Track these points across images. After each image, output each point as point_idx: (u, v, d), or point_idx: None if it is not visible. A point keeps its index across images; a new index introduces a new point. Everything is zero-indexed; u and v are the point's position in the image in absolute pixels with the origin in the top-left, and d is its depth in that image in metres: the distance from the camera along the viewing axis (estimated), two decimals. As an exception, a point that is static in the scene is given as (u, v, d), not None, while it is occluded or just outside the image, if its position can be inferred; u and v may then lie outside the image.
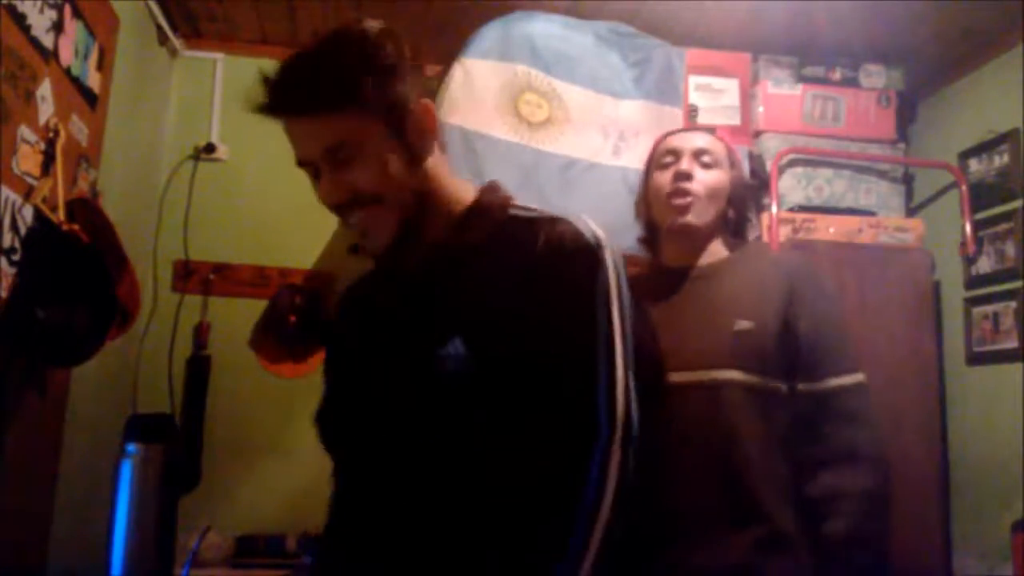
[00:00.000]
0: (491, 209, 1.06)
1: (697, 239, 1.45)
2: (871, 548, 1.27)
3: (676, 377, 1.34)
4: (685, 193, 1.41)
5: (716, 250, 1.47)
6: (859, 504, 1.27)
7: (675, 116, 2.53)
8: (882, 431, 1.36)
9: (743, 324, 1.34)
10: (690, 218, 1.41)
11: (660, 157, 1.48)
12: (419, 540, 0.95)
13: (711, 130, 1.53)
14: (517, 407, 0.93)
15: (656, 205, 1.46)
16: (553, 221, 1.02)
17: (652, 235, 1.52)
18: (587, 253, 0.99)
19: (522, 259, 0.98)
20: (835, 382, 1.34)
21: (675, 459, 1.30)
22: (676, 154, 1.45)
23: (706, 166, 1.44)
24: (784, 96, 2.61)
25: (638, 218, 1.55)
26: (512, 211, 1.06)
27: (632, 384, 0.95)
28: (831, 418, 1.32)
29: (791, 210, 2.52)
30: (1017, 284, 2.35)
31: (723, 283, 1.41)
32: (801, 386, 1.35)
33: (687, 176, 1.41)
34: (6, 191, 1.50)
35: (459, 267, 1.02)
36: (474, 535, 0.92)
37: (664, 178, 1.44)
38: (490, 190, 1.10)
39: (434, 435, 0.97)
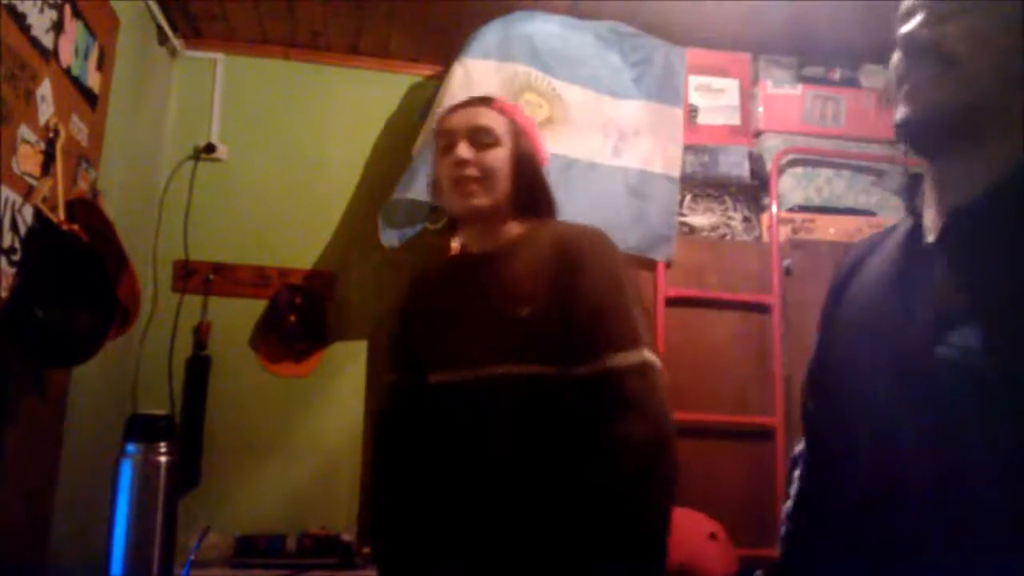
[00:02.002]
0: None
1: (488, 222, 1.37)
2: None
3: (451, 376, 1.32)
4: (464, 180, 1.33)
5: (508, 231, 1.38)
6: (615, 508, 1.15)
7: (675, 116, 2.53)
8: (666, 419, 1.20)
9: (522, 311, 1.26)
10: (474, 201, 1.34)
11: (439, 139, 1.40)
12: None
13: (487, 100, 1.43)
14: None
15: (445, 193, 1.38)
16: None
17: (452, 221, 1.46)
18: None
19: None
20: (611, 362, 1.21)
21: (450, 457, 1.30)
22: (451, 137, 1.36)
23: (483, 145, 1.35)
24: (784, 96, 2.61)
25: (435, 202, 1.48)
26: None
27: None
28: (604, 406, 1.19)
29: (791, 210, 2.52)
30: None
31: (506, 268, 1.33)
32: (578, 370, 1.23)
33: (463, 163, 1.33)
34: (6, 191, 1.50)
35: None
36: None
37: (444, 164, 1.37)
38: None
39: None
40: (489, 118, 1.38)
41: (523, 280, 1.30)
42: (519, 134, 1.40)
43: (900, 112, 0.81)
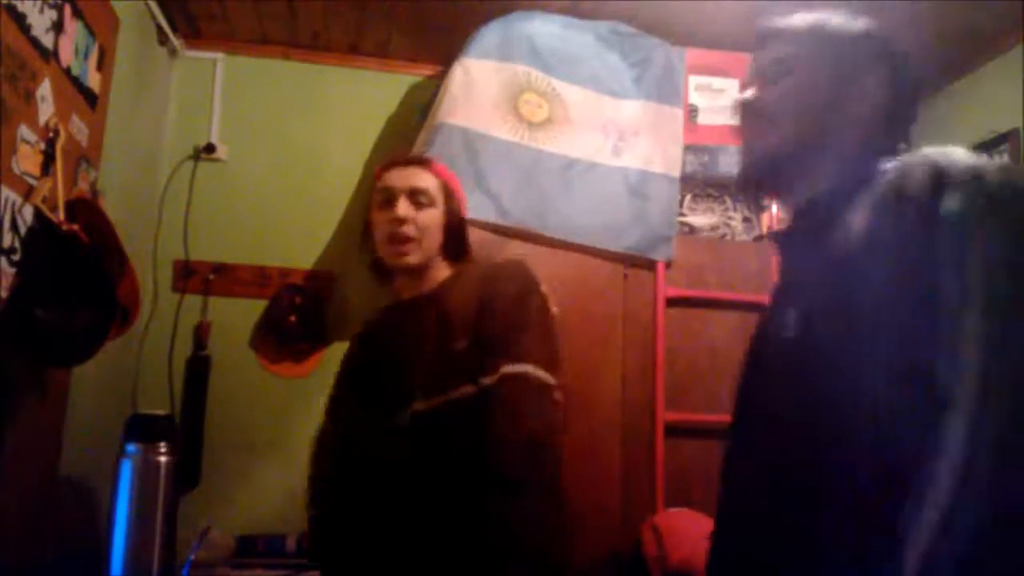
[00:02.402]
0: None
1: (418, 272, 1.49)
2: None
3: (383, 415, 1.39)
4: (402, 239, 1.45)
5: (438, 275, 1.51)
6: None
7: (675, 116, 2.53)
8: (541, 425, 1.30)
9: (460, 344, 1.36)
10: (409, 259, 1.46)
11: (377, 195, 1.51)
12: None
13: (425, 162, 1.56)
14: None
15: (380, 244, 1.49)
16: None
17: (382, 269, 1.55)
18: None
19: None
20: (504, 371, 1.32)
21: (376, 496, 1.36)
22: (390, 194, 1.48)
23: (420, 205, 1.47)
24: (784, 96, 2.61)
25: (363, 253, 1.58)
26: None
27: None
28: (489, 411, 1.30)
29: (791, 210, 2.52)
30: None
31: (440, 309, 1.44)
32: (482, 382, 1.34)
33: (401, 221, 1.45)
34: (6, 191, 1.50)
35: None
36: None
37: (382, 218, 1.48)
38: None
39: None
40: (426, 180, 1.50)
41: (455, 318, 1.40)
42: (450, 195, 1.52)
43: (741, 162, 1.02)
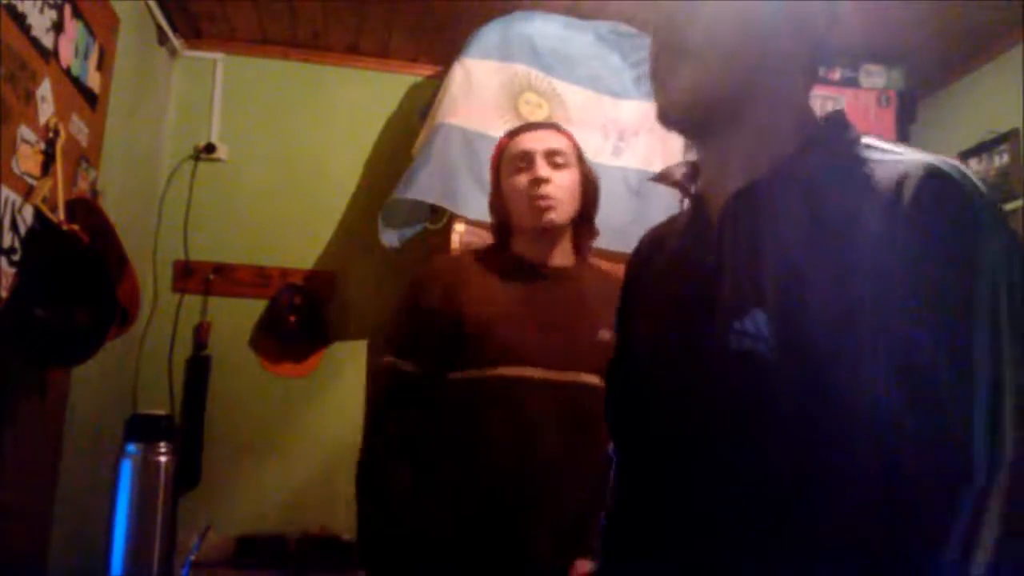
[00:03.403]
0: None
1: (555, 237, 1.51)
2: None
3: (542, 374, 1.40)
4: (546, 196, 1.45)
5: (566, 251, 1.53)
6: None
7: (675, 116, 2.53)
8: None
9: (605, 334, 1.39)
10: (553, 216, 1.46)
11: (513, 160, 1.50)
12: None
13: (555, 125, 1.57)
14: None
15: (516, 207, 1.49)
16: None
17: (505, 231, 1.54)
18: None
19: None
20: None
21: (534, 451, 1.36)
22: (528, 157, 1.48)
23: (558, 166, 1.48)
24: (784, 96, 2.61)
25: (492, 216, 1.57)
26: None
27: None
28: None
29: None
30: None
31: (582, 289, 1.49)
32: None
33: (545, 180, 1.45)
34: (6, 191, 1.50)
35: None
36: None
37: (521, 181, 1.47)
38: None
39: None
40: (561, 141, 1.51)
41: (600, 307, 1.41)
42: (582, 158, 1.53)
43: (655, 101, 0.82)
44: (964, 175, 0.70)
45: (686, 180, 0.89)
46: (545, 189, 1.45)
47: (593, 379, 1.39)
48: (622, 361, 0.97)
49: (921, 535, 0.65)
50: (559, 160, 1.48)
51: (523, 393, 1.38)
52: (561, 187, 1.47)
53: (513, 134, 1.55)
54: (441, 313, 1.44)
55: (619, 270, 1.46)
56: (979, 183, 0.71)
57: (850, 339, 0.67)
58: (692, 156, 0.88)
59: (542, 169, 1.46)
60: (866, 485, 0.68)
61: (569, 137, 1.54)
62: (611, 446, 1.00)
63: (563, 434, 1.37)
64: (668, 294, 0.87)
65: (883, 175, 0.71)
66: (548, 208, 1.45)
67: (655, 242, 0.99)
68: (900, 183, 0.70)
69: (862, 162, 0.74)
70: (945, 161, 0.72)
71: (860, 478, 0.68)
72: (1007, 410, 0.65)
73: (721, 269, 0.78)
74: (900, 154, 0.74)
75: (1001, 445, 0.64)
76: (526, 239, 1.51)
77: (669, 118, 0.81)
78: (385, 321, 1.58)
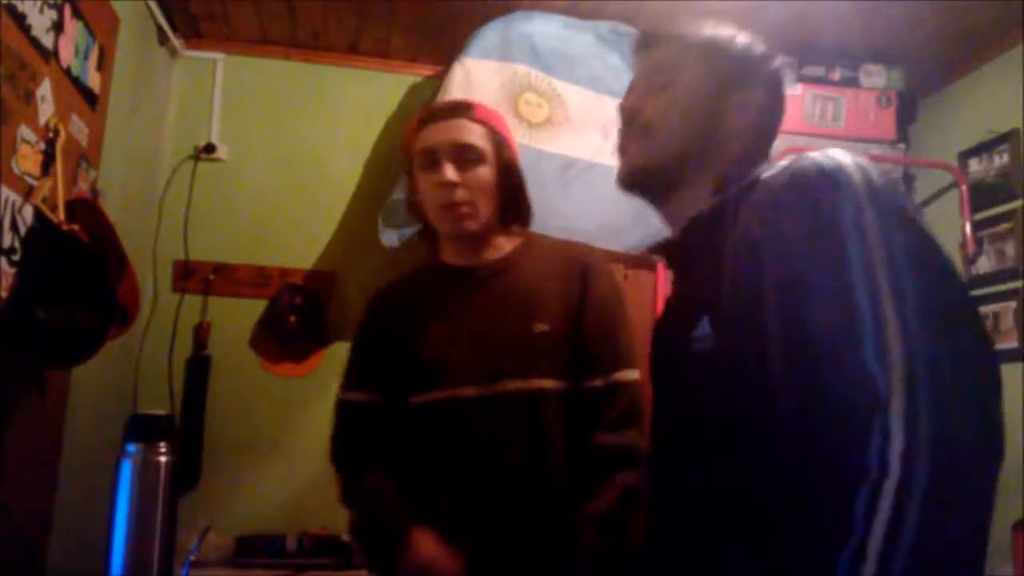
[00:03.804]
0: None
1: (477, 239, 1.36)
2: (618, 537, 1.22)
3: (472, 391, 1.27)
4: (454, 205, 1.30)
5: (499, 244, 1.38)
6: (624, 498, 1.22)
7: (675, 116, 2.53)
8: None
9: (541, 326, 1.28)
10: (467, 225, 1.32)
11: (419, 156, 1.34)
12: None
13: (466, 109, 1.35)
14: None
15: (430, 212, 1.35)
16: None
17: (429, 233, 1.42)
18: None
19: None
20: (617, 377, 1.29)
21: (479, 474, 1.25)
22: (433, 155, 1.31)
23: (469, 163, 1.31)
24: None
25: (410, 215, 1.44)
26: None
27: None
28: (605, 415, 1.27)
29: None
30: (1017, 284, 2.35)
31: (515, 282, 1.34)
32: (584, 383, 1.30)
33: (452, 185, 1.29)
34: (6, 191, 1.50)
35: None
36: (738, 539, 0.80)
37: (428, 183, 1.32)
38: None
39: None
40: (472, 133, 1.33)
41: (535, 296, 1.31)
42: (501, 145, 1.36)
43: (617, 167, 1.03)
44: (823, 158, 0.80)
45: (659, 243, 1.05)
46: (454, 196, 1.29)
47: (528, 384, 1.27)
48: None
49: (818, 530, 0.68)
50: (470, 156, 1.31)
51: (462, 415, 1.27)
52: (473, 190, 1.30)
53: (420, 122, 1.36)
54: (386, 339, 1.36)
55: (566, 244, 1.43)
56: (842, 160, 0.79)
57: (755, 333, 0.78)
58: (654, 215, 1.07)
59: (448, 171, 1.29)
60: (773, 476, 0.74)
61: (486, 122, 1.35)
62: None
63: (510, 450, 1.25)
64: (659, 329, 1.04)
65: (766, 185, 0.84)
66: (459, 218, 1.31)
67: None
68: (775, 186, 0.82)
69: (759, 181, 0.87)
70: (819, 152, 0.82)
71: (770, 469, 0.75)
72: (898, 401, 0.67)
73: (677, 294, 1.00)
74: (782, 164, 0.85)
75: (891, 439, 0.66)
76: (450, 244, 1.38)
77: (626, 181, 1.02)
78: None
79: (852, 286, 0.71)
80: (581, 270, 1.35)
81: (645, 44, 1.02)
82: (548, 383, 1.28)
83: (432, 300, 1.37)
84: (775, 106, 0.99)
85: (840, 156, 0.80)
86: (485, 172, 1.32)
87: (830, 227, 0.75)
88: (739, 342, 0.80)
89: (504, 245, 1.38)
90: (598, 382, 1.29)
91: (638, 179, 1.00)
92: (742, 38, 1.00)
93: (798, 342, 0.73)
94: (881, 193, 0.76)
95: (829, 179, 0.77)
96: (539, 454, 1.25)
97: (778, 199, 0.81)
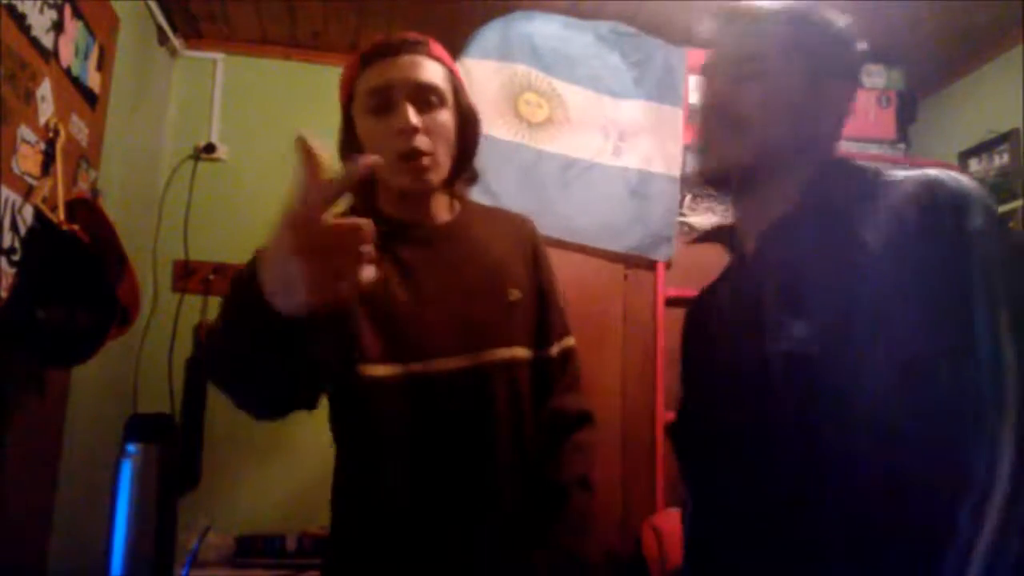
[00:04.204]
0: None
1: (428, 196, 1.19)
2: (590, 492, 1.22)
3: (454, 363, 1.11)
4: (418, 153, 1.11)
5: (446, 204, 1.23)
6: (592, 457, 1.24)
7: (675, 116, 2.53)
8: None
9: (515, 293, 1.18)
10: (430, 178, 1.14)
11: (370, 95, 1.14)
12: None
13: (423, 46, 1.17)
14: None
15: (385, 163, 1.09)
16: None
17: (366, 186, 1.20)
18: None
19: None
20: (566, 343, 1.27)
21: (465, 455, 1.11)
22: (389, 95, 1.12)
23: (431, 106, 1.14)
24: (784, 96, 2.61)
25: (340, 158, 1.23)
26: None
27: None
28: (563, 381, 1.26)
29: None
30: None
31: (476, 246, 1.20)
32: (540, 350, 1.23)
33: (412, 132, 1.11)
34: (6, 191, 1.50)
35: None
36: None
37: (381, 129, 1.13)
38: None
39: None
40: (432, 72, 1.15)
41: (501, 262, 1.20)
42: (459, 88, 1.21)
43: (699, 162, 0.94)
44: (958, 180, 0.78)
45: (729, 238, 1.00)
46: (416, 143, 1.11)
47: (510, 352, 1.16)
48: (689, 407, 1.02)
49: (922, 541, 0.68)
50: (430, 98, 1.14)
51: (444, 389, 1.11)
52: (435, 137, 1.13)
53: (368, 57, 1.16)
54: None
55: (506, 212, 1.33)
56: (975, 186, 0.78)
57: (861, 342, 0.74)
58: (728, 211, 0.99)
59: (410, 114, 1.11)
60: (871, 486, 0.72)
61: (442, 61, 1.19)
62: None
63: (499, 424, 1.13)
64: (728, 326, 0.94)
65: (887, 193, 0.81)
66: (423, 169, 1.12)
67: (708, 296, 1.08)
68: (900, 196, 0.78)
69: (870, 185, 0.83)
70: (941, 171, 0.79)
71: (867, 478, 0.72)
72: (1007, 420, 0.68)
73: (761, 294, 0.86)
74: (902, 175, 0.82)
75: (1000, 455, 0.67)
76: (393, 196, 1.18)
77: (713, 179, 0.93)
78: None
79: (971, 304, 0.72)
80: (529, 237, 1.28)
81: (731, 23, 0.91)
82: (523, 352, 1.18)
83: (385, 256, 1.12)
84: (854, 99, 0.92)
85: (974, 185, 0.79)
86: (446, 117, 1.16)
87: (964, 254, 0.74)
88: (846, 347, 0.76)
89: (450, 206, 1.24)
90: (554, 349, 1.24)
91: (728, 176, 0.91)
92: (837, 21, 0.91)
93: (914, 356, 0.72)
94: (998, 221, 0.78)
95: (979, 212, 0.76)
96: (520, 426, 1.16)
97: (922, 218, 0.76)
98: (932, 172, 0.79)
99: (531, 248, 1.27)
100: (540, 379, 1.22)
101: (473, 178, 1.28)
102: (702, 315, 1.05)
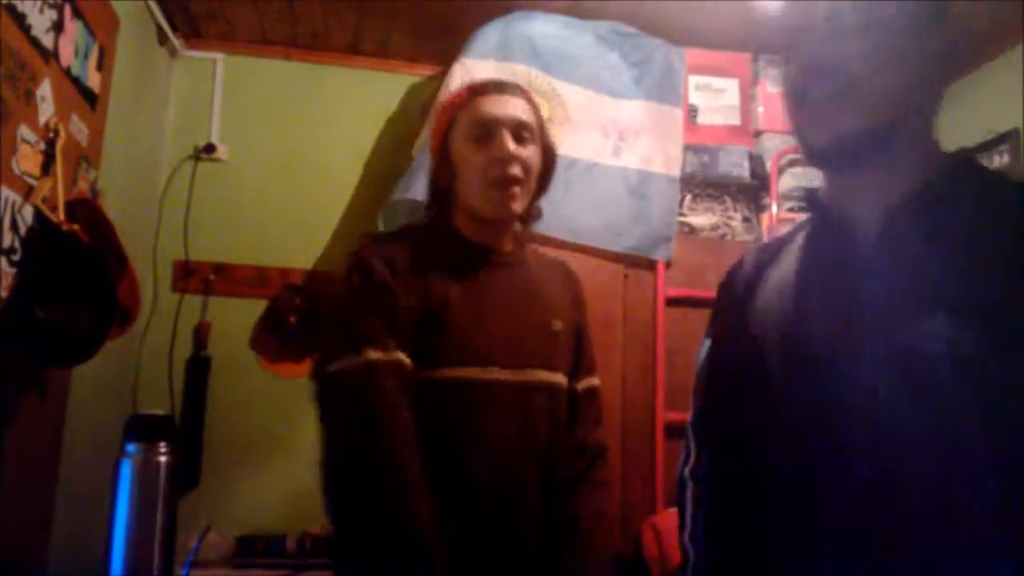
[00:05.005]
0: None
1: (504, 224, 1.33)
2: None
3: (507, 375, 1.23)
4: (513, 182, 1.25)
5: (511, 233, 1.36)
6: (609, 495, 1.39)
7: (675, 116, 2.53)
8: None
9: (558, 324, 1.31)
10: (515, 207, 1.27)
11: (472, 127, 1.27)
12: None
13: (524, 91, 1.34)
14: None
15: (470, 187, 1.27)
16: None
17: (446, 202, 1.33)
18: None
19: None
20: (593, 381, 1.41)
21: (507, 460, 1.22)
22: (492, 127, 1.25)
23: (523, 141, 1.28)
24: (784, 96, 2.61)
25: (433, 187, 1.35)
26: None
27: None
28: (587, 415, 1.39)
29: (791, 210, 2.52)
30: (1017, 284, 2.35)
31: (530, 276, 1.34)
32: (572, 383, 1.38)
33: (510, 160, 1.25)
34: (6, 191, 1.50)
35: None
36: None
37: (482, 157, 1.25)
38: None
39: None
40: (529, 113, 1.30)
41: (550, 294, 1.35)
42: (544, 129, 1.35)
43: (808, 136, 0.83)
44: None
45: (818, 201, 0.90)
46: (512, 170, 1.24)
47: (551, 376, 1.29)
48: (732, 369, 0.95)
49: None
50: (525, 135, 1.28)
51: (492, 396, 1.22)
52: (527, 168, 1.27)
53: (476, 92, 1.30)
54: (403, 297, 1.20)
55: (551, 256, 1.48)
56: None
57: (988, 346, 0.69)
58: (822, 183, 0.89)
59: (510, 144, 1.25)
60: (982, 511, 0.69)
61: (535, 105, 1.34)
62: (691, 462, 1.00)
63: (532, 436, 1.24)
64: (808, 303, 0.85)
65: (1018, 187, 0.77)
66: (512, 197, 1.25)
67: (766, 256, 0.98)
68: None
69: (1002, 182, 0.80)
70: None
71: (980, 503, 0.69)
72: None
73: (884, 276, 0.78)
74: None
75: None
76: (475, 221, 1.30)
77: (822, 152, 0.82)
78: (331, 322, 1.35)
79: None
80: (574, 281, 1.43)
81: None
82: (561, 378, 1.32)
83: (457, 270, 1.26)
84: (955, 66, 0.83)
85: None
86: (536, 153, 1.30)
87: None
88: (974, 350, 0.70)
89: (514, 237, 1.37)
90: (583, 384, 1.38)
91: (841, 147, 0.81)
92: None
93: None
94: None
95: None
96: (553, 445, 1.28)
97: None
98: None
99: (574, 291, 1.42)
100: (569, 410, 1.36)
101: (538, 215, 1.40)
102: (760, 277, 0.95)
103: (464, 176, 1.27)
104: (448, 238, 1.31)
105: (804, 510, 0.81)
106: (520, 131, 1.27)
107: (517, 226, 1.37)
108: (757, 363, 0.88)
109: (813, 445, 0.81)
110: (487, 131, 1.26)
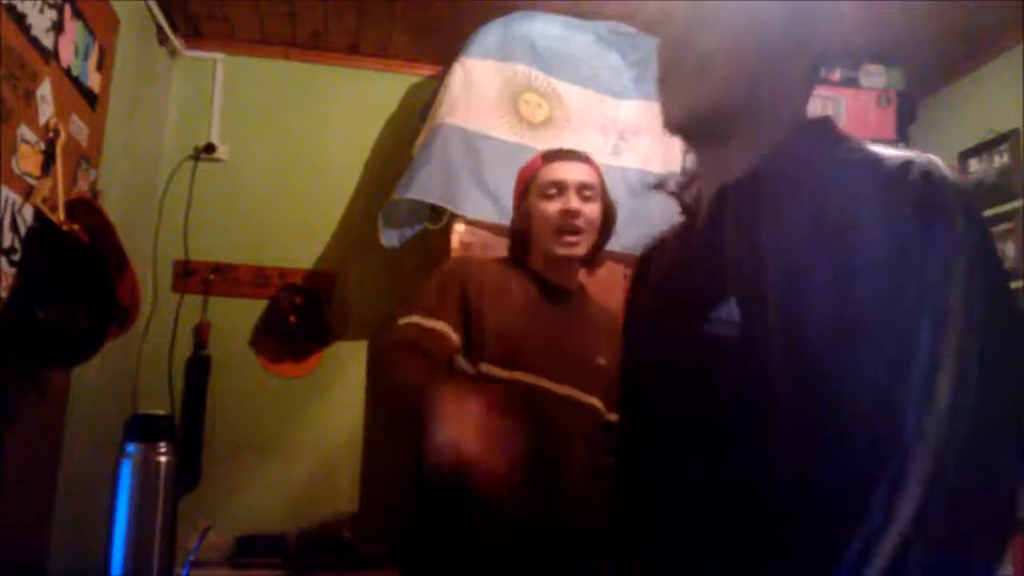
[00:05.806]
0: None
1: (570, 266, 1.59)
2: None
3: (555, 387, 1.48)
4: (576, 231, 1.53)
5: (575, 274, 1.62)
6: None
7: (675, 116, 2.53)
8: None
9: (602, 360, 1.52)
10: (578, 251, 1.55)
11: (545, 186, 1.56)
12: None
13: (588, 158, 1.63)
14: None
15: (542, 234, 1.56)
16: None
17: (523, 248, 1.61)
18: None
19: None
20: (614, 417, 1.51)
21: (559, 461, 1.42)
22: (561, 187, 1.55)
23: (587, 199, 1.55)
24: (784, 96, 2.61)
25: (514, 231, 1.63)
26: None
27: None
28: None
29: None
30: (1018, 284, 2.35)
31: (586, 314, 1.60)
32: (608, 416, 1.52)
33: (575, 214, 1.53)
34: (6, 191, 1.50)
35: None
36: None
37: (551, 210, 1.54)
38: None
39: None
40: (592, 176, 1.58)
41: (599, 332, 1.56)
42: (605, 190, 1.61)
43: (664, 110, 0.89)
44: (943, 172, 0.72)
45: (680, 189, 0.93)
46: (576, 223, 1.52)
47: (590, 399, 1.50)
48: (628, 362, 1.03)
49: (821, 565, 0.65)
50: (588, 194, 1.55)
51: (541, 401, 1.44)
52: (588, 221, 1.55)
53: (548, 158, 1.61)
54: (472, 306, 1.49)
55: (607, 303, 1.64)
56: (961, 183, 0.72)
57: (818, 330, 0.69)
58: (691, 162, 0.93)
59: (575, 201, 1.53)
60: (778, 495, 0.70)
61: (596, 169, 1.61)
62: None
63: (572, 446, 1.46)
64: (662, 294, 0.92)
65: (858, 171, 0.74)
66: (575, 244, 1.53)
67: (657, 248, 1.03)
68: (876, 178, 0.71)
69: (838, 159, 0.76)
70: (922, 156, 0.73)
71: (775, 487, 0.70)
72: (922, 461, 0.63)
73: (700, 263, 0.83)
74: (876, 152, 0.75)
75: (903, 497, 0.63)
76: (545, 262, 1.58)
77: (677, 125, 0.88)
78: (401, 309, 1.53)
79: (919, 319, 0.66)
80: (616, 322, 1.52)
81: None
82: (596, 402, 1.51)
83: (521, 292, 1.55)
84: (821, 55, 0.84)
85: (960, 182, 0.72)
86: (596, 209, 1.57)
87: (928, 254, 0.67)
88: (768, 331, 0.71)
89: (578, 279, 1.62)
90: (612, 417, 1.49)
91: (687, 122, 0.86)
92: None
93: (844, 360, 0.68)
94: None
95: (961, 203, 0.69)
96: (586, 461, 1.44)
97: (902, 206, 0.69)
98: (919, 157, 0.72)
99: (615, 331, 1.52)
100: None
101: (601, 261, 1.64)
102: (648, 268, 1.01)
103: (538, 225, 1.56)
104: (523, 271, 1.60)
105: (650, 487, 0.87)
106: (583, 191, 1.55)
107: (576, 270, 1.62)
108: (629, 351, 0.99)
109: (647, 432, 0.88)
110: (558, 190, 1.55)
